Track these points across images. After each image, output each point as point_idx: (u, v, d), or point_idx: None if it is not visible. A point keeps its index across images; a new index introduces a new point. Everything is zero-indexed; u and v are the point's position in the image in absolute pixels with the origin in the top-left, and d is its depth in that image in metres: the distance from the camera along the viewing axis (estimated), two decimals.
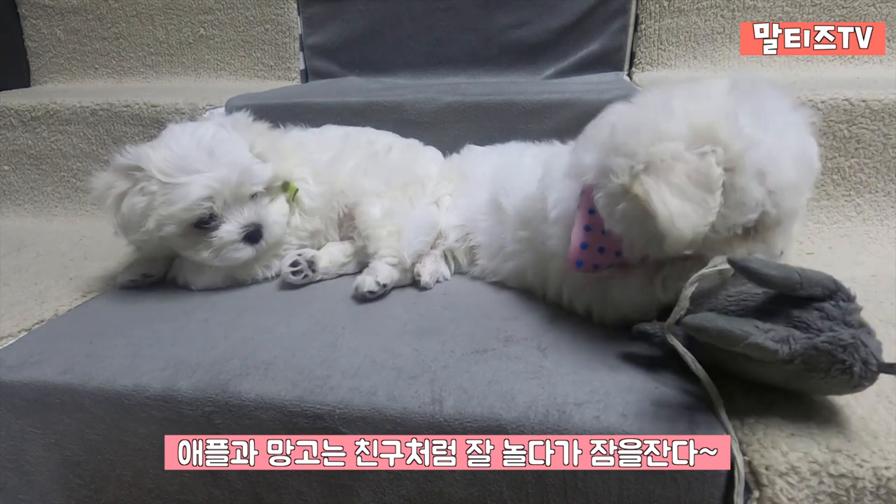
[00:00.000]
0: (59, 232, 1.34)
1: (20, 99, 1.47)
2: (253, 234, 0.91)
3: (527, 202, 0.86)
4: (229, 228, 0.89)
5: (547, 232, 0.79)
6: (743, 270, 0.56)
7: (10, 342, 0.83)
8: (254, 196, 0.92)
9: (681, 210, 0.59)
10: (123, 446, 0.74)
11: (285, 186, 1.00)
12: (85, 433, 0.74)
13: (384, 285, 0.91)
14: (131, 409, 0.72)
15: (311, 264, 0.97)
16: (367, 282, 0.90)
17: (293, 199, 1.00)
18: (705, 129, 0.61)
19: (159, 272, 0.99)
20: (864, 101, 1.07)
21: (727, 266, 0.59)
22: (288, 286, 0.96)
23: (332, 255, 1.01)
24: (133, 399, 0.72)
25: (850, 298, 0.57)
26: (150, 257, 0.99)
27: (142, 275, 0.98)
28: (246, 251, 0.91)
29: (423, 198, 1.04)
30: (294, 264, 0.95)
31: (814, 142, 0.66)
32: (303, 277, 0.96)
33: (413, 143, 1.16)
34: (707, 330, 0.55)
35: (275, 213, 0.95)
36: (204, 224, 0.88)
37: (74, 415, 0.74)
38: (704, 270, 0.60)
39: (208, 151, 0.87)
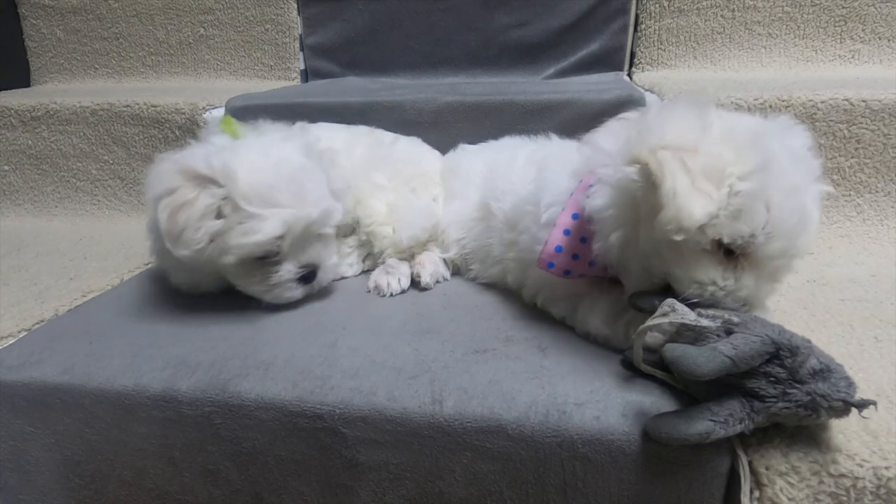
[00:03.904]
0: (59, 232, 1.34)
1: (20, 99, 1.47)
2: (307, 275, 0.87)
3: (517, 205, 0.85)
4: (289, 268, 0.84)
5: (537, 236, 0.78)
6: (672, 364, 0.54)
7: (10, 342, 0.83)
8: (320, 235, 0.87)
9: (686, 189, 0.59)
10: (123, 446, 0.74)
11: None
12: (85, 433, 0.74)
13: (405, 286, 0.93)
14: (131, 409, 0.72)
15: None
16: (392, 283, 0.92)
17: None
18: (734, 140, 0.62)
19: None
20: (864, 101, 1.07)
21: (677, 318, 0.59)
22: None
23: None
24: (133, 399, 0.72)
25: (794, 352, 0.55)
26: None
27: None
28: (297, 291, 0.86)
29: (427, 190, 1.05)
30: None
31: (816, 208, 0.64)
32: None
33: (416, 140, 1.16)
34: (666, 440, 0.56)
35: (334, 255, 0.91)
36: (265, 258, 0.83)
37: (74, 415, 0.74)
38: (652, 322, 0.60)
39: (299, 186, 0.81)
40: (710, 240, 0.62)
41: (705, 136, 0.62)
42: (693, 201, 0.59)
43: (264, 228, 0.78)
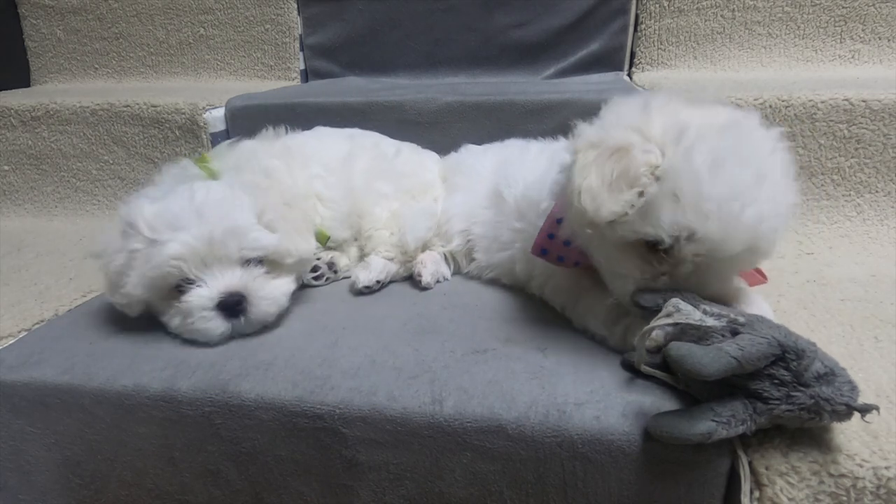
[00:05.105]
0: (59, 232, 1.34)
1: (20, 99, 1.47)
2: (231, 306, 0.76)
3: (527, 193, 0.87)
4: (201, 293, 0.75)
5: (536, 224, 0.80)
6: (676, 363, 0.54)
7: (10, 342, 0.83)
8: (248, 263, 0.79)
9: (593, 187, 0.62)
10: (123, 446, 0.74)
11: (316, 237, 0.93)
12: (85, 433, 0.74)
13: (378, 281, 0.93)
14: (131, 409, 0.72)
15: (332, 266, 0.99)
16: (361, 277, 0.93)
17: (325, 244, 0.97)
18: (660, 137, 0.62)
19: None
20: (864, 101, 1.07)
21: (681, 318, 0.58)
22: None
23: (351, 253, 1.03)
24: (133, 399, 0.72)
25: (799, 355, 0.54)
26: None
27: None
28: (215, 323, 0.76)
29: (427, 196, 1.07)
30: (314, 269, 0.97)
31: (772, 212, 0.60)
32: (325, 280, 0.98)
33: (415, 147, 1.17)
34: (668, 439, 0.56)
35: (271, 288, 0.80)
36: (181, 288, 0.76)
37: (74, 415, 0.74)
38: (656, 322, 0.60)
39: (198, 209, 0.76)
40: (620, 235, 0.63)
41: (640, 133, 0.63)
42: (598, 199, 0.62)
43: (164, 251, 0.74)
